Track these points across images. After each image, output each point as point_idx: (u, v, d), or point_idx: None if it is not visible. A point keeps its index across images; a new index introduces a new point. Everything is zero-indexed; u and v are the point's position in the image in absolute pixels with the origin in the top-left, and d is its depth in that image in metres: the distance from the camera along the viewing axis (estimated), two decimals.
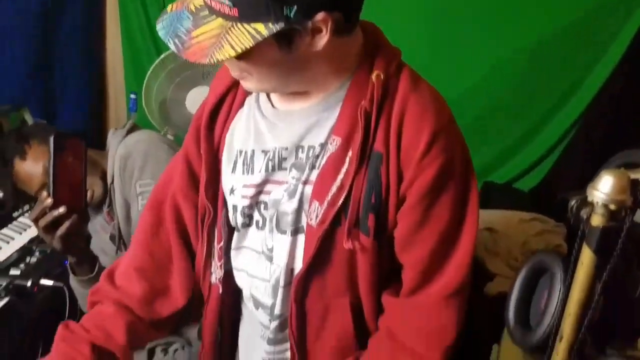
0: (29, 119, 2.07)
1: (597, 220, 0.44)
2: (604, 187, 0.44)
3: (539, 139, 2.78)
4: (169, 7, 0.86)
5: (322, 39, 0.83)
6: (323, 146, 0.93)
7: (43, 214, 1.26)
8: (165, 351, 1.55)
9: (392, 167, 0.90)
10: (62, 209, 1.25)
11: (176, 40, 0.82)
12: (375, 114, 0.89)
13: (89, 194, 1.41)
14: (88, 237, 1.65)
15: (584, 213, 0.48)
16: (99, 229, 1.65)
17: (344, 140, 0.91)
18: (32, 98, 2.49)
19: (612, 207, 0.43)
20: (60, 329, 1.06)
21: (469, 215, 0.92)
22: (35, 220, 1.28)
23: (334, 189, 0.91)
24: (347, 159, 0.91)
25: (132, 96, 2.47)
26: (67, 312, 1.48)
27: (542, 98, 2.60)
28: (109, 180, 1.57)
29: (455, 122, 0.96)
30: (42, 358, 1.03)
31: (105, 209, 1.59)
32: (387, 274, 0.98)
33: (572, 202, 0.52)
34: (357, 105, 0.90)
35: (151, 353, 1.54)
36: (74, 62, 2.71)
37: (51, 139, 1.26)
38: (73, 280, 1.44)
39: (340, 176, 0.91)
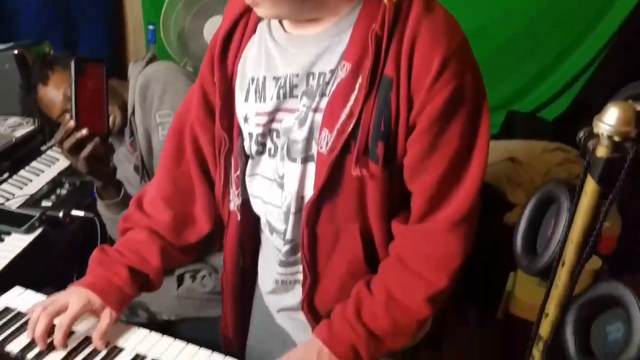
0: (51, 51, 2.08)
1: (601, 152, 0.45)
2: (609, 119, 0.44)
3: (563, 68, 2.73)
4: None
5: None
6: (333, 72, 0.93)
7: (67, 136, 1.31)
8: (193, 277, 1.61)
9: (402, 92, 0.89)
10: (84, 131, 1.30)
11: None
12: (386, 38, 0.88)
13: (110, 119, 1.44)
14: (114, 168, 1.71)
15: (590, 144, 0.49)
16: (123, 160, 1.69)
17: (354, 65, 0.90)
18: (52, 33, 2.50)
19: (617, 138, 0.44)
20: (96, 252, 1.11)
21: (479, 142, 0.92)
22: (60, 143, 1.33)
23: (343, 116, 0.91)
24: (357, 85, 0.90)
25: (151, 27, 2.45)
26: (98, 242, 1.54)
27: (567, 27, 2.53)
28: (129, 111, 1.58)
29: (469, 47, 0.94)
30: (78, 280, 1.08)
31: (127, 139, 1.61)
32: (397, 202, 0.99)
33: (580, 134, 0.53)
34: (368, 29, 0.89)
35: (180, 279, 1.60)
36: None
37: (72, 63, 1.30)
38: (100, 205, 1.50)
39: (350, 103, 0.91)
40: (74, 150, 1.33)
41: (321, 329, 1.00)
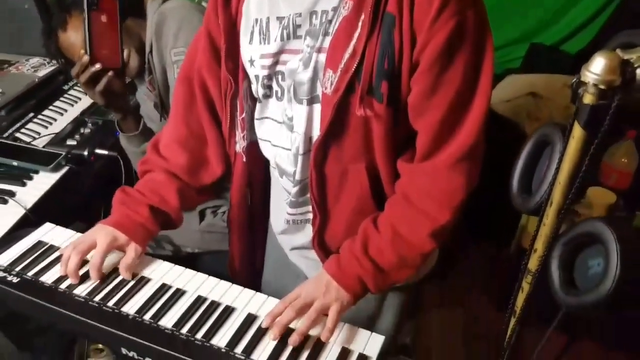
0: None
1: (588, 99, 0.47)
2: (595, 68, 0.46)
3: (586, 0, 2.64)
4: None
5: None
6: (336, 10, 0.92)
7: (82, 70, 1.36)
8: (214, 213, 1.67)
9: (405, 29, 0.88)
10: (97, 66, 1.35)
11: None
12: None
13: (125, 54, 1.47)
14: (136, 106, 1.75)
15: (580, 91, 0.51)
16: (144, 98, 1.72)
17: (356, 2, 0.90)
18: None
19: (602, 86, 0.46)
20: (118, 193, 1.17)
21: (482, 80, 0.92)
22: (77, 77, 1.38)
23: (346, 55, 0.91)
24: (360, 23, 0.89)
25: None
26: (123, 179, 1.60)
27: None
28: (147, 49, 1.60)
29: None
30: (103, 220, 1.14)
31: (146, 78, 1.64)
32: (403, 141, 1.00)
33: (572, 81, 0.54)
34: None
35: (202, 214, 1.67)
36: None
37: None
38: (122, 139, 1.55)
39: (353, 42, 0.90)
40: (90, 84, 1.38)
41: (330, 263, 1.04)
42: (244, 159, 1.14)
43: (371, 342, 0.99)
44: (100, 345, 1.42)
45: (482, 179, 1.00)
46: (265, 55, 1.01)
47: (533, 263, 0.55)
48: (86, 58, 1.35)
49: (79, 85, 1.54)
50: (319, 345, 0.96)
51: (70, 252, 1.06)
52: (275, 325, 0.96)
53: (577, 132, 0.49)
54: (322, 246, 1.12)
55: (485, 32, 0.92)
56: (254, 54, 1.03)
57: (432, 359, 2.15)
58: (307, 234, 1.13)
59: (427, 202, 0.99)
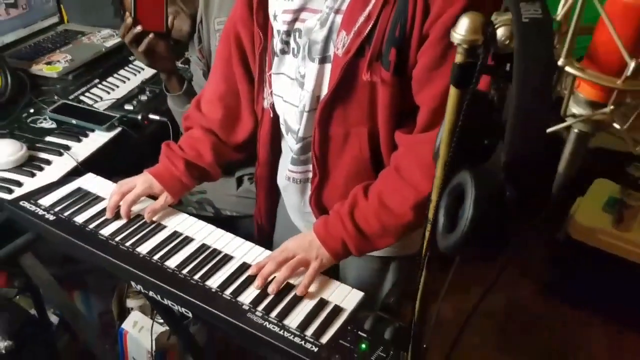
0: None
1: (458, 59, 0.51)
2: (460, 29, 0.50)
3: None
4: None
5: None
6: None
7: (127, 31, 1.49)
8: (250, 179, 1.77)
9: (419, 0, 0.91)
10: (138, 28, 1.48)
11: None
12: None
13: (173, 22, 1.61)
14: (190, 77, 1.88)
15: None
16: (196, 67, 1.84)
17: None
18: None
19: (465, 46, 0.50)
20: (163, 146, 1.29)
21: None
22: (122, 37, 1.52)
23: (361, 19, 0.95)
24: None
25: None
26: None
27: None
28: (198, 19, 1.73)
29: None
30: (148, 168, 1.27)
31: (197, 46, 1.74)
32: (406, 114, 1.03)
33: None
34: None
35: (240, 180, 1.77)
36: None
37: None
38: (169, 99, 1.68)
39: (369, 7, 0.95)
40: (133, 44, 1.52)
41: (318, 223, 1.11)
42: (271, 115, 1.21)
43: (349, 296, 1.05)
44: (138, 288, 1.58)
45: None
46: (287, 10, 1.07)
47: (430, 212, 0.60)
48: (130, 20, 1.49)
49: None
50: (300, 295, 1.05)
51: (113, 193, 1.21)
52: (259, 275, 1.05)
53: (452, 90, 0.54)
54: (319, 205, 1.18)
55: (498, 6, 0.94)
56: (277, 9, 1.09)
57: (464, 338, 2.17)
58: (306, 194, 1.20)
59: (416, 174, 1.02)
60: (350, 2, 0.98)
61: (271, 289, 1.03)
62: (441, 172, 0.55)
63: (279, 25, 1.10)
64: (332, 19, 1.00)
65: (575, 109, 0.52)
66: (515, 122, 0.46)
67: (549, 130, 0.50)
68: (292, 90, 1.12)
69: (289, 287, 1.05)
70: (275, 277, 1.04)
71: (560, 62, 0.47)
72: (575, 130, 0.53)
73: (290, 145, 1.18)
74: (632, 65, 0.45)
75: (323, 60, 1.04)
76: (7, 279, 1.75)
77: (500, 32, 0.50)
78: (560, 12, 0.48)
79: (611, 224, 2.11)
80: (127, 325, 1.67)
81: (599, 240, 2.10)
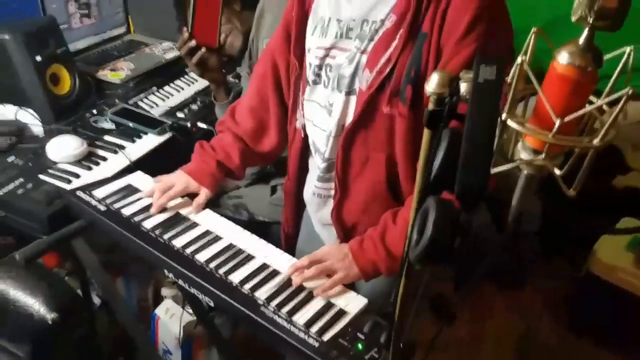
0: None
1: (429, 106, 0.63)
2: (431, 84, 0.62)
3: None
4: None
5: None
6: (383, 22, 1.10)
7: (183, 44, 1.68)
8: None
9: (433, 45, 1.05)
10: (192, 43, 1.66)
11: None
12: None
13: (226, 40, 1.78)
14: (240, 90, 2.04)
15: None
16: (246, 83, 2.02)
17: (398, 19, 1.08)
18: None
19: (434, 97, 0.62)
20: (197, 146, 1.46)
21: None
22: (178, 49, 1.71)
23: (382, 60, 1.10)
24: (398, 36, 1.08)
25: None
26: None
27: None
28: (250, 38, 1.89)
29: (501, 14, 1.07)
30: (183, 166, 1.44)
31: (247, 62, 1.91)
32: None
33: None
34: None
35: (274, 189, 1.90)
36: None
37: None
38: (216, 108, 1.85)
39: (390, 50, 1.09)
40: (187, 56, 1.70)
41: (354, 241, 1.22)
42: (302, 135, 1.35)
43: (354, 302, 1.17)
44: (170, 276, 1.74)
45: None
46: (320, 47, 1.22)
47: (408, 230, 0.72)
48: (186, 34, 1.67)
49: None
50: (310, 296, 1.17)
51: (155, 189, 1.37)
52: (291, 266, 1.18)
53: (425, 131, 0.66)
54: (339, 219, 1.31)
55: (509, 56, 1.05)
56: (312, 45, 1.24)
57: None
58: (328, 208, 1.34)
59: None
60: (374, 45, 1.12)
61: (295, 281, 1.16)
62: (417, 197, 0.67)
63: (311, 58, 1.24)
64: (358, 58, 1.14)
65: (522, 154, 0.63)
66: (462, 163, 0.58)
67: (497, 170, 0.62)
68: (322, 117, 1.26)
69: (302, 289, 1.18)
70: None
71: (503, 117, 0.59)
72: (525, 172, 0.64)
73: (317, 164, 1.32)
74: (557, 122, 0.56)
75: (349, 92, 1.18)
76: (58, 260, 1.95)
77: (463, 88, 0.62)
78: (509, 77, 0.60)
79: (633, 263, 2.15)
80: (160, 311, 1.83)
81: (619, 278, 2.14)
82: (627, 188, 2.45)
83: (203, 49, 1.69)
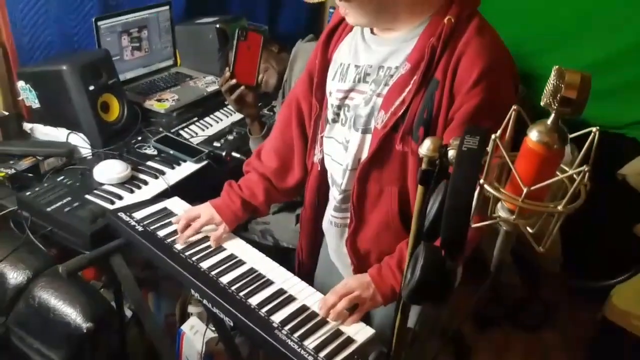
0: (246, 25, 2.58)
1: (422, 166, 0.74)
2: (423, 148, 0.73)
3: None
4: None
5: None
6: (397, 69, 1.22)
7: (224, 82, 1.84)
8: None
9: (445, 92, 1.15)
10: (233, 81, 1.82)
11: None
12: (440, 49, 1.15)
13: (263, 79, 1.91)
14: (272, 123, 2.18)
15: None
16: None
17: (413, 66, 1.19)
18: (259, 10, 3.01)
19: (427, 159, 0.72)
20: (226, 185, 1.58)
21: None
22: (220, 86, 1.86)
23: (397, 102, 1.21)
24: (412, 81, 1.19)
25: (331, 10, 2.86)
26: None
27: None
28: (284, 77, 2.04)
29: (508, 69, 1.18)
30: (211, 200, 1.55)
31: (280, 99, 2.06)
32: None
33: None
34: (430, 40, 1.16)
35: (298, 218, 2.02)
36: None
37: (237, 30, 1.80)
38: (250, 141, 1.99)
39: (404, 94, 1.20)
40: (228, 93, 1.86)
41: (373, 270, 1.32)
42: (319, 168, 1.47)
43: (362, 331, 1.26)
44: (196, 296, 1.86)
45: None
46: (340, 90, 1.34)
47: (404, 271, 0.83)
48: (228, 74, 1.83)
49: None
50: (321, 322, 1.26)
51: (182, 217, 1.50)
52: (323, 304, 1.26)
53: (419, 187, 0.76)
54: (354, 248, 1.40)
55: (509, 107, 1.16)
56: (333, 88, 1.37)
57: None
58: (343, 237, 1.43)
59: None
60: (389, 89, 1.23)
61: (331, 317, 1.25)
62: (411, 243, 0.77)
63: (332, 100, 1.37)
64: (374, 100, 1.26)
65: (501, 212, 0.73)
66: (445, 218, 0.69)
67: (477, 225, 0.72)
68: (339, 152, 1.37)
69: (314, 315, 1.28)
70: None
71: (481, 182, 0.69)
72: (503, 228, 0.74)
73: (334, 196, 1.42)
74: (525, 190, 0.66)
75: (365, 131, 1.29)
76: (95, 273, 2.09)
77: (450, 153, 0.73)
78: (489, 148, 0.70)
79: None
80: (185, 327, 1.95)
81: (632, 325, 2.17)
82: None
83: (242, 87, 1.83)
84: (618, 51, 2.50)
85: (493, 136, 0.67)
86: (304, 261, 1.64)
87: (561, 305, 2.75)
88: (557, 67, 0.64)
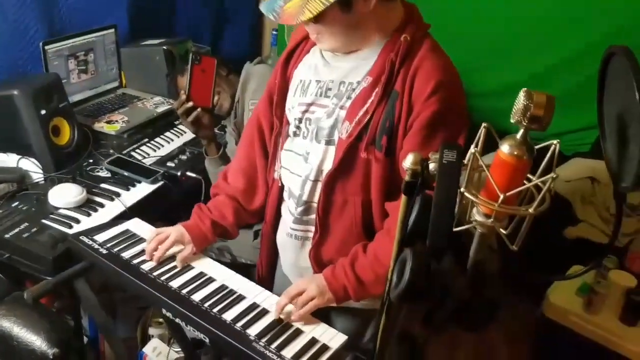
0: (192, 48, 2.64)
1: (406, 178, 0.82)
2: (407, 162, 0.81)
3: None
4: None
5: (373, 1, 1.21)
6: (359, 83, 1.31)
7: (180, 105, 1.86)
8: None
9: (404, 102, 1.26)
10: (190, 103, 1.85)
11: (273, 14, 1.22)
12: (398, 64, 1.26)
13: (218, 101, 1.95)
14: (225, 143, 2.22)
15: None
16: (230, 137, 2.18)
17: (374, 80, 1.29)
18: (204, 32, 3.05)
19: (410, 171, 0.80)
20: (195, 207, 1.60)
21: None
22: (176, 109, 1.89)
23: (360, 112, 1.30)
24: (374, 93, 1.28)
25: (274, 32, 2.94)
26: (202, 197, 1.99)
27: None
28: (235, 99, 2.08)
29: (457, 85, 1.30)
30: (182, 222, 1.56)
31: (232, 120, 2.10)
32: (395, 188, 1.29)
33: None
34: (388, 56, 1.27)
35: (256, 234, 2.03)
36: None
37: (190, 54, 1.84)
38: (206, 161, 2.01)
39: (367, 105, 1.29)
40: (184, 115, 1.88)
41: (327, 269, 1.38)
42: (279, 184, 1.52)
43: (335, 338, 1.32)
44: (160, 320, 1.87)
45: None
46: (301, 103, 1.41)
47: (389, 274, 0.90)
48: (184, 96, 1.86)
49: None
50: (297, 332, 1.32)
51: (152, 238, 1.51)
52: (277, 307, 1.34)
53: (403, 197, 0.84)
54: (317, 259, 1.46)
55: (462, 119, 1.29)
56: (294, 103, 1.43)
57: None
58: (305, 250, 1.48)
59: None
60: (353, 101, 1.32)
61: (283, 317, 1.33)
62: (396, 248, 0.85)
63: (294, 113, 1.43)
64: (337, 113, 1.34)
65: (477, 217, 0.82)
66: (431, 223, 0.76)
67: (458, 229, 0.80)
68: (297, 164, 1.43)
69: (289, 326, 1.33)
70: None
71: (461, 190, 0.77)
72: (479, 230, 0.83)
73: (289, 208, 1.48)
74: (501, 196, 0.75)
75: (328, 142, 1.36)
76: (48, 299, 2.04)
77: (431, 166, 0.81)
78: (466, 161, 0.79)
79: (582, 307, 2.35)
80: (147, 349, 1.94)
81: (569, 320, 2.34)
82: (577, 238, 2.67)
83: (198, 109, 1.87)
84: (546, 68, 2.74)
85: (473, 150, 0.75)
86: (264, 276, 1.68)
87: (503, 303, 2.90)
88: (525, 89, 0.73)
